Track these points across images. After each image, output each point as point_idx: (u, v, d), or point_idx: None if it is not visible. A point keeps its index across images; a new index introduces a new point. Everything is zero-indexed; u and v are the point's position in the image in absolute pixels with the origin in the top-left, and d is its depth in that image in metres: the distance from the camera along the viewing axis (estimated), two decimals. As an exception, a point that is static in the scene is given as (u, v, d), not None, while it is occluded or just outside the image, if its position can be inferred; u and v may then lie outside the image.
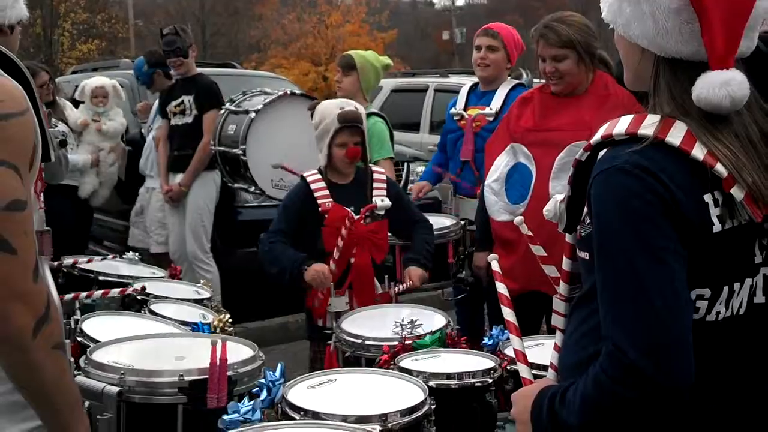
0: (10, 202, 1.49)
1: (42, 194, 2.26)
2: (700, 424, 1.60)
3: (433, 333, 3.17)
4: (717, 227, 1.53)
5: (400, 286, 3.88)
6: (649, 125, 1.56)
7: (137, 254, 4.56)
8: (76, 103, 7.13)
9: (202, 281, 4.43)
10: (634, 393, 1.46)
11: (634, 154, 1.53)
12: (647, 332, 1.45)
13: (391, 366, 2.91)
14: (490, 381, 2.81)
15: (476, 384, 2.80)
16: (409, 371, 2.79)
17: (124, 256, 4.52)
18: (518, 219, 2.58)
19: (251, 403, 2.31)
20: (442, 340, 3.17)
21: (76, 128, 6.76)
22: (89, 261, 4.19)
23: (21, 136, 1.57)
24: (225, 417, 2.27)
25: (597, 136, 1.62)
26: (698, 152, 1.52)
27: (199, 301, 3.80)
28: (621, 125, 1.59)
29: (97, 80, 7.11)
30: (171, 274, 4.31)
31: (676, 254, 1.49)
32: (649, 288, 1.46)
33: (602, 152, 1.61)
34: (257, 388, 2.47)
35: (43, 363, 1.52)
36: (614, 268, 1.52)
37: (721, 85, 1.52)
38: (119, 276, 4.06)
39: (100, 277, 3.99)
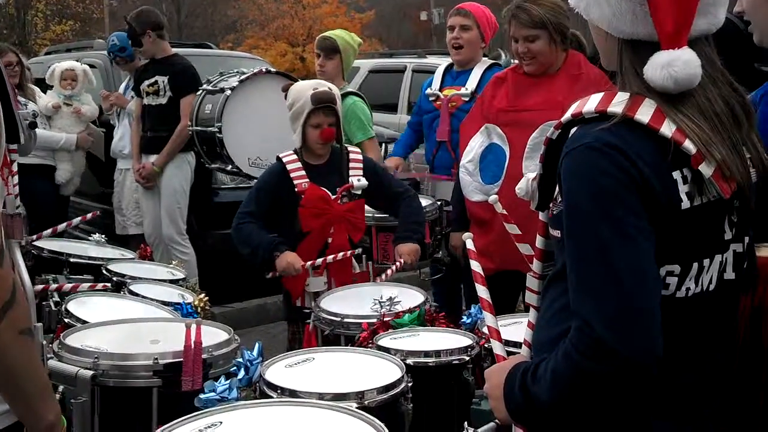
0: None
1: (15, 177, 2.24)
2: (671, 399, 1.61)
3: (411, 312, 3.18)
4: (686, 204, 1.53)
5: (393, 268, 3.84)
6: (619, 103, 1.57)
7: (104, 236, 4.55)
8: (45, 87, 7.04)
9: (174, 261, 4.43)
10: (603, 367, 1.46)
11: (603, 132, 1.53)
12: (615, 308, 1.46)
13: (370, 344, 2.91)
14: (468, 359, 2.84)
15: (453, 362, 2.82)
16: (387, 349, 2.81)
17: (90, 237, 4.51)
18: (492, 197, 2.60)
19: (228, 382, 2.31)
20: (421, 319, 3.18)
21: (47, 112, 6.68)
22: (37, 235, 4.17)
23: None
24: (201, 396, 2.28)
25: (567, 115, 1.63)
26: (667, 129, 1.53)
27: (174, 282, 3.80)
28: (591, 103, 1.60)
29: (68, 63, 7.02)
30: (141, 255, 4.29)
31: (645, 231, 1.50)
32: (617, 264, 1.47)
33: (573, 130, 1.62)
34: (235, 368, 2.48)
35: (9, 348, 1.50)
36: (583, 245, 1.52)
37: (663, 66, 1.53)
38: (89, 258, 4.05)
39: (71, 259, 3.98)
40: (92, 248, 4.34)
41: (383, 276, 3.84)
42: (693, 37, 1.58)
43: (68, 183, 6.86)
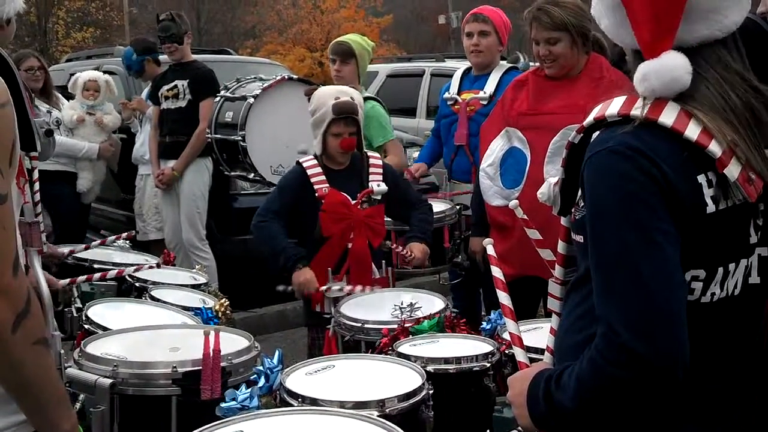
0: None
1: (36, 185, 2.23)
2: (699, 404, 1.59)
3: (431, 318, 3.16)
4: (711, 208, 1.51)
5: (401, 249, 3.85)
6: (642, 106, 1.55)
7: (128, 242, 4.55)
8: (66, 96, 7.09)
9: (197, 266, 4.43)
10: (629, 374, 1.45)
11: (627, 136, 1.51)
12: (641, 313, 1.44)
13: (390, 351, 2.89)
14: (488, 365, 2.81)
15: (474, 368, 2.80)
16: (407, 356, 2.79)
17: (115, 243, 4.51)
18: (513, 203, 2.57)
19: (248, 390, 2.30)
20: (440, 325, 3.16)
21: (70, 125, 6.72)
22: (73, 250, 4.14)
23: (0, 129, 1.52)
24: (222, 405, 2.26)
25: (590, 118, 1.61)
26: (692, 132, 1.50)
27: (196, 287, 3.78)
28: (614, 106, 1.58)
29: (91, 74, 7.07)
30: (165, 261, 4.30)
31: (670, 235, 1.48)
32: (643, 269, 1.45)
33: (595, 134, 1.60)
34: (255, 376, 2.47)
35: (24, 359, 1.49)
36: (607, 250, 1.50)
37: (640, 81, 1.55)
38: (113, 264, 4.04)
39: (95, 266, 3.98)
40: (116, 254, 4.36)
41: (397, 248, 3.84)
42: (696, 43, 1.56)
43: (89, 191, 6.89)
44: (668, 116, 1.52)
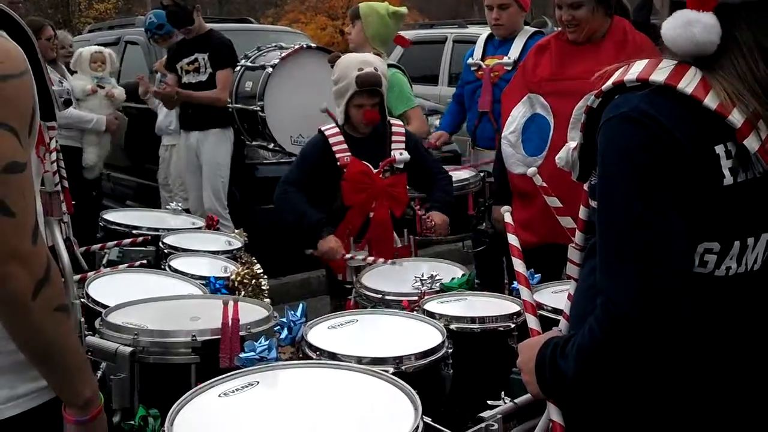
0: (8, 164, 1.46)
1: (53, 155, 2.23)
2: (710, 379, 1.55)
3: (462, 275, 3.18)
4: (728, 180, 1.46)
5: (423, 212, 3.84)
6: (662, 71, 1.49)
7: (179, 204, 4.59)
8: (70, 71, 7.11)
9: (236, 231, 4.42)
10: (624, 345, 1.43)
11: (642, 101, 1.46)
12: (640, 286, 1.41)
13: (416, 308, 2.90)
14: (513, 326, 2.79)
15: (499, 328, 2.78)
16: (432, 314, 2.79)
17: (168, 207, 4.58)
18: (531, 170, 2.55)
19: (267, 342, 2.31)
20: (470, 283, 3.17)
21: (81, 95, 6.76)
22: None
23: (19, 97, 1.53)
24: (242, 355, 2.29)
25: (609, 82, 1.55)
26: (711, 101, 1.44)
27: (229, 252, 3.76)
28: (633, 71, 1.52)
29: (94, 47, 7.15)
30: (207, 224, 4.30)
31: (678, 206, 1.43)
32: (645, 240, 1.42)
33: (616, 98, 1.54)
34: (278, 327, 2.51)
35: (44, 325, 1.49)
36: (612, 219, 1.47)
37: (684, 25, 1.46)
38: (156, 229, 4.02)
39: (134, 231, 3.98)
40: (170, 218, 4.39)
41: (426, 218, 3.84)
42: (740, 1, 1.48)
43: (94, 167, 6.93)
44: (688, 83, 1.46)
